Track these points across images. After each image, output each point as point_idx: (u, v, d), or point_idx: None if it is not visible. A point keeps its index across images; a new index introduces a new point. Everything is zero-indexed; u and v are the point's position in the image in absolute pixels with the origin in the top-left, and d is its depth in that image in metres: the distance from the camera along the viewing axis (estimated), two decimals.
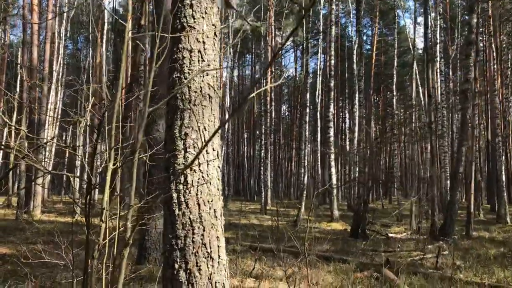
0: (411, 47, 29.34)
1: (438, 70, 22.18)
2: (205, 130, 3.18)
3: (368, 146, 16.99)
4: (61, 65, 26.41)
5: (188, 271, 3.00)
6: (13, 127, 4.41)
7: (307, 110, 22.53)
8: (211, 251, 3.07)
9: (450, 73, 30.39)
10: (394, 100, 25.91)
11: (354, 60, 28.79)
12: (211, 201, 3.14)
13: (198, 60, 3.22)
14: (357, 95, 28.32)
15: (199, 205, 3.09)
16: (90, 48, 32.62)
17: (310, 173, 27.69)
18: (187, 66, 3.19)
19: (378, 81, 38.17)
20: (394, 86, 25.84)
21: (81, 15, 38.13)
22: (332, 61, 21.46)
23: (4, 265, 8.25)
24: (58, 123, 26.89)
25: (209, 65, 3.23)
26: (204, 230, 3.06)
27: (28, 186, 14.70)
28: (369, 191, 14.49)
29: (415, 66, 24.22)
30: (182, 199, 3.08)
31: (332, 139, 20.27)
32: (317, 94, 26.75)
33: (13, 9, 26.72)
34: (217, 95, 3.28)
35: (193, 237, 3.03)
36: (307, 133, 22.87)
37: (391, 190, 40.64)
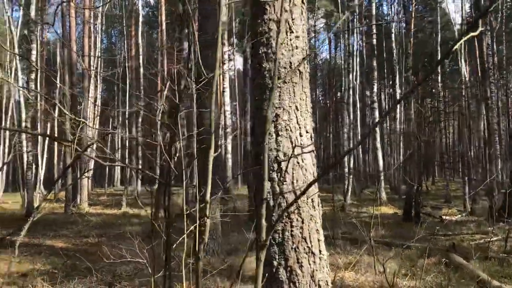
0: (452, 21, 28.14)
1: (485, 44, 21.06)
2: (297, 110, 2.84)
3: (417, 127, 16.32)
4: (99, 59, 26.58)
5: (289, 268, 2.69)
6: (71, 119, 4.19)
7: (351, 92, 21.90)
8: (311, 246, 2.75)
9: (494, 47, 28.96)
10: (439, 78, 24.85)
11: (393, 39, 27.86)
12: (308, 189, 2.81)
13: (286, 32, 2.87)
14: (397, 75, 27.40)
15: (295, 194, 2.76)
16: (125, 41, 32.72)
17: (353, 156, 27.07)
18: (274, 40, 2.85)
19: (415, 60, 36.86)
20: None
21: (114, 8, 38.27)
22: (374, 40, 20.70)
23: (63, 259, 8.21)
24: (98, 118, 27.22)
25: (297, 36, 2.87)
26: (303, 222, 2.74)
27: (78, 179, 14.82)
28: (422, 172, 13.89)
29: (463, 40, 23.04)
30: (277, 188, 2.76)
31: (377, 120, 19.62)
32: (354, 76, 26.00)
33: (49, 6, 27.01)
34: (307, 71, 2.93)
35: (291, 230, 2.71)
36: (351, 116, 22.26)
37: (435, 171, 39.51)
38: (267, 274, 2.76)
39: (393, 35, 27.82)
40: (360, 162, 32.86)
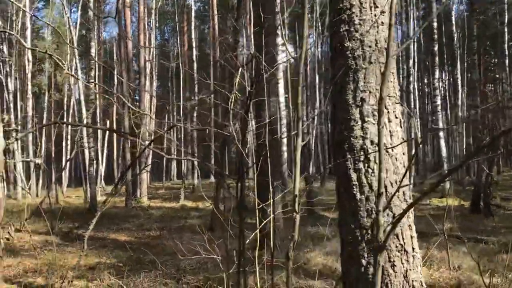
0: None
1: None
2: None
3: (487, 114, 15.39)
4: (154, 55, 27.04)
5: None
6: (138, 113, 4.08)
7: (411, 78, 21.01)
8: (404, 243, 2.48)
9: None
10: (507, 62, 23.32)
11: (453, 22, 26.43)
12: (399, 181, 2.53)
13: (370, 7, 2.59)
14: (458, 61, 26.09)
15: (385, 187, 2.49)
16: (178, 37, 33.11)
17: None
18: (357, 16, 2.58)
19: (478, 44, 34.99)
20: (505, 46, 23.32)
21: (166, 5, 38.89)
22: (435, 24, 19.72)
23: (127, 252, 8.32)
24: (154, 114, 27.76)
25: (383, 12, 2.59)
26: (394, 218, 2.47)
27: (138, 174, 15.13)
28: (492, 161, 13.08)
29: None
30: (364, 180, 2.50)
31: (439, 108, 18.71)
32: (412, 62, 24.92)
33: (105, 5, 27.78)
34: (394, 49, 2.64)
35: None
36: (411, 104, 21.38)
37: (499, 160, 37.48)
38: (354, 273, 2.52)
39: (453, 18, 26.38)
40: (419, 152, 31.64)
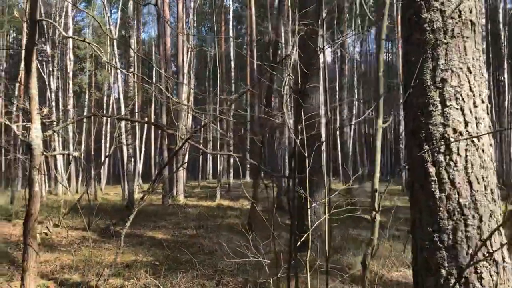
0: None
1: None
2: (470, 72, 2.18)
3: None
4: (192, 54, 27.06)
5: (463, 280, 2.05)
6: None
7: None
8: (493, 252, 2.08)
9: None
10: None
11: (501, 21, 25.29)
12: (486, 177, 2.14)
13: None
14: (505, 60, 24.91)
15: (470, 183, 2.10)
16: (215, 37, 33.07)
17: None
18: None
19: None
20: None
21: (204, 5, 39.00)
22: (482, 20, 18.81)
23: (163, 250, 8.14)
24: (191, 112, 27.76)
25: None
26: (481, 221, 2.08)
27: (175, 172, 15.04)
28: None
29: None
30: (445, 175, 2.11)
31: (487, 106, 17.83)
32: None
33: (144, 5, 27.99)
34: (480, 22, 2.25)
35: (466, 231, 2.06)
36: None
37: None
38: (432, 285, 2.14)
39: (500, 16, 25.22)
40: None
